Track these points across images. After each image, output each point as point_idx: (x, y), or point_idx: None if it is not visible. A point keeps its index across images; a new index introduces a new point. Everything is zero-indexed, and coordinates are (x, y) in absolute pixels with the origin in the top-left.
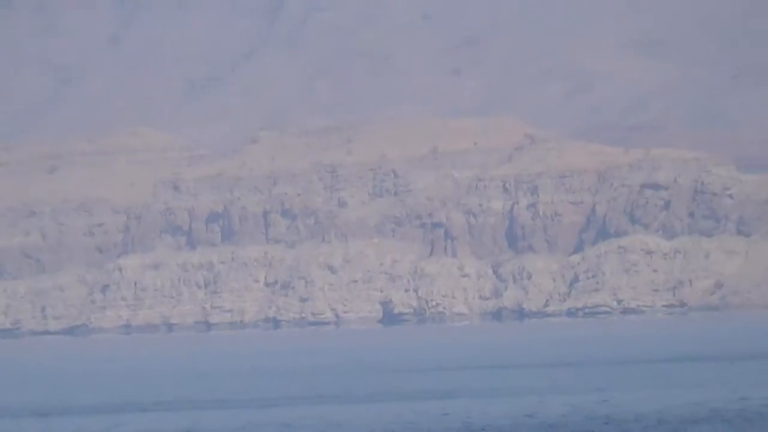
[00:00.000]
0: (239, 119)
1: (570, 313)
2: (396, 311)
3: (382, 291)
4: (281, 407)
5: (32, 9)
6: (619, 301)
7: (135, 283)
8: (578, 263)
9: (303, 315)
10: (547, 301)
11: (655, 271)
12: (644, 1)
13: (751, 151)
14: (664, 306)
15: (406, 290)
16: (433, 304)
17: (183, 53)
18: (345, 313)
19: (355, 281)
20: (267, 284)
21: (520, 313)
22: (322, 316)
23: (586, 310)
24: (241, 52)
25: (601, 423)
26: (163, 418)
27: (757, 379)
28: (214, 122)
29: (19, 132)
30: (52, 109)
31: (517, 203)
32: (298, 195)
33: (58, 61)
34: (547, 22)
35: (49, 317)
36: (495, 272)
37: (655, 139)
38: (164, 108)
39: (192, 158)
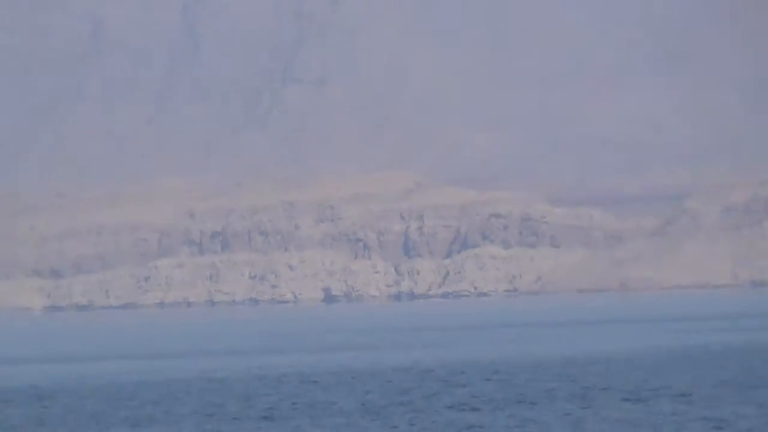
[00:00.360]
0: (232, 171)
1: (444, 295)
2: (333, 294)
3: (323, 281)
4: (275, 354)
5: (97, 99)
6: (475, 288)
7: (166, 276)
8: (449, 264)
9: (273, 297)
10: (430, 287)
11: (497, 269)
12: (491, 89)
13: (559, 194)
14: (504, 291)
15: (339, 281)
16: (356, 290)
17: (193, 129)
18: (300, 295)
19: (306, 275)
20: (250, 277)
21: (412, 296)
22: (286, 297)
23: (455, 294)
24: (231, 129)
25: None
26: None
27: (570, 337)
28: (215, 173)
29: (92, 180)
30: (113, 165)
31: (410, 226)
32: (270, 220)
33: (115, 134)
34: (429, 108)
35: (111, 297)
36: (396, 270)
37: (498, 185)
38: (184, 164)
39: (202, 196)
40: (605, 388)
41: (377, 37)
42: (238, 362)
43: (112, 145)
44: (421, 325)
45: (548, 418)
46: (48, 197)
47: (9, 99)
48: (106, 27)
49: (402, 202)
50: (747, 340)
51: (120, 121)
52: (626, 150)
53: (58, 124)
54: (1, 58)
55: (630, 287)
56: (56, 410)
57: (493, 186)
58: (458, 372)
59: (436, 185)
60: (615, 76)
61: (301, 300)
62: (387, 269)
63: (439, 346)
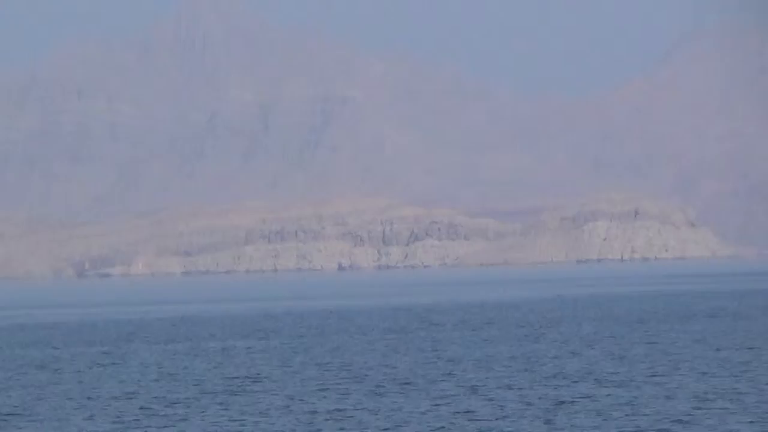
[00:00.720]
0: (286, 196)
1: (405, 267)
2: (344, 266)
3: (337, 258)
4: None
5: (213, 157)
6: (422, 263)
7: (249, 256)
8: (408, 249)
9: (310, 267)
10: (397, 262)
11: (435, 252)
12: (433, 153)
13: (470, 210)
14: (439, 265)
15: (346, 258)
16: (356, 264)
17: (265, 173)
18: (324, 266)
19: (328, 255)
20: (297, 256)
21: (387, 267)
22: (316, 267)
23: (411, 266)
24: (286, 173)
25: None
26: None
27: (479, 291)
28: (277, 197)
29: (208, 201)
30: (219, 193)
31: (386, 228)
32: (307, 224)
33: (220, 177)
34: (398, 163)
35: (219, 266)
36: (378, 252)
37: (436, 205)
38: (259, 192)
39: (270, 210)
40: (503, 319)
41: (368, 121)
42: (296, 303)
43: (218, 182)
44: (393, 284)
45: (480, 333)
46: (184, 209)
47: (159, 156)
48: (217, 115)
49: (382, 214)
50: (579, 293)
51: (224, 170)
52: (506, 186)
53: (189, 172)
54: (153, 135)
55: (510, 264)
56: (205, 330)
57: (433, 205)
58: (422, 310)
59: (401, 204)
60: (498, 145)
61: (325, 269)
62: (373, 252)
63: (407, 295)
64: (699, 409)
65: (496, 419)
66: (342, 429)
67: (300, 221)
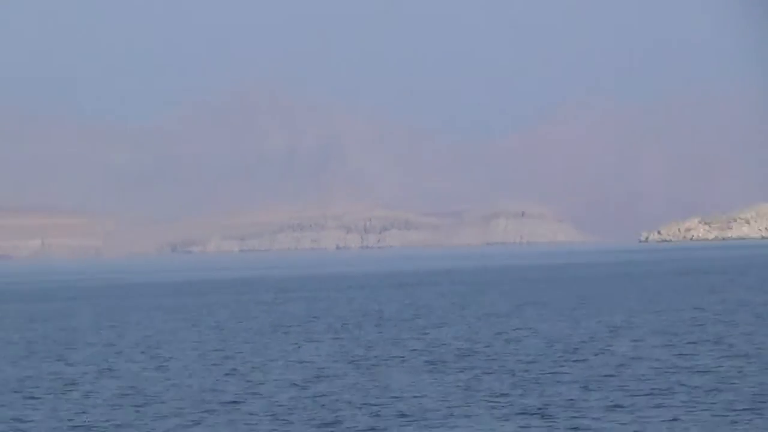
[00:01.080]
0: (303, 203)
1: (378, 248)
2: (341, 246)
3: (337, 241)
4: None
5: (258, 177)
6: (390, 245)
7: (280, 240)
8: (380, 236)
9: (319, 248)
10: (373, 245)
11: (398, 238)
12: (403, 174)
13: (422, 211)
14: (400, 246)
15: (341, 242)
16: (348, 245)
17: (292, 188)
18: (328, 247)
19: (331, 240)
20: (311, 241)
21: (367, 248)
22: (324, 248)
23: (382, 248)
24: (305, 188)
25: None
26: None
27: (422, 262)
28: (297, 204)
29: (254, 206)
30: (262, 200)
31: (366, 223)
32: (316, 220)
33: (260, 187)
34: (376, 183)
35: (262, 247)
36: (361, 238)
37: (398, 209)
38: (285, 200)
39: (293, 210)
40: (447, 281)
41: (356, 154)
42: (312, 271)
43: (261, 192)
44: (372, 259)
45: (435, 289)
46: (239, 210)
47: (224, 176)
48: (261, 151)
49: (364, 213)
50: (485, 265)
51: (265, 184)
52: (443, 196)
53: (242, 186)
54: (220, 163)
55: (444, 246)
56: (258, 287)
57: (397, 208)
58: (395, 275)
59: (376, 207)
60: (438, 169)
61: (328, 249)
62: (358, 238)
63: (382, 266)
64: (610, 335)
65: (459, 345)
66: (368, 348)
67: (312, 218)
